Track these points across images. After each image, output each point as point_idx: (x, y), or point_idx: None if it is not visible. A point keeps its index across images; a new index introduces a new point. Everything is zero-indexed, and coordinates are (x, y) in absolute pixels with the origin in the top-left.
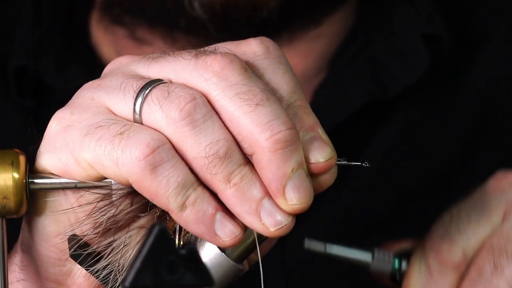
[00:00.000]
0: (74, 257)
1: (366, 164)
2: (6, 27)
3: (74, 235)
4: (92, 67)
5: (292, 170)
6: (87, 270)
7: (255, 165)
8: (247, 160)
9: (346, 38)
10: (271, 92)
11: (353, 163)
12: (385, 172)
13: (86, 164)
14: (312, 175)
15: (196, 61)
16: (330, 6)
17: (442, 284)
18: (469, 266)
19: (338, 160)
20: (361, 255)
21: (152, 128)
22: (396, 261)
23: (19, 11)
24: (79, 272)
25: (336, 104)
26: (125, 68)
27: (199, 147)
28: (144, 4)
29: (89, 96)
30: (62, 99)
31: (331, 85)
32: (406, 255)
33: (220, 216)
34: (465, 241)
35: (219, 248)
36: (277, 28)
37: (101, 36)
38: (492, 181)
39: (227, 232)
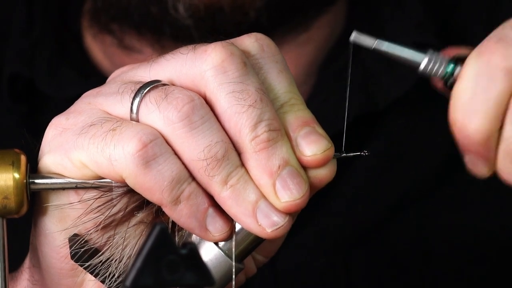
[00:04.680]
0: (74, 256)
1: (365, 152)
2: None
3: (74, 235)
4: (86, 73)
5: (279, 167)
6: (81, 265)
7: (245, 166)
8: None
9: (335, 45)
10: (265, 92)
11: (352, 153)
12: (376, 179)
13: (80, 164)
14: (311, 169)
15: (195, 53)
16: (318, 6)
17: (492, 90)
18: None
19: (336, 154)
20: (413, 55)
21: (145, 124)
22: (451, 65)
23: (12, 13)
24: (91, 283)
25: (326, 119)
26: (125, 75)
27: (197, 149)
28: (129, 10)
29: (86, 101)
30: (55, 105)
31: (320, 98)
32: (463, 61)
33: (211, 211)
34: None
35: (219, 247)
36: (266, 32)
37: (91, 43)
38: None
39: (218, 228)
